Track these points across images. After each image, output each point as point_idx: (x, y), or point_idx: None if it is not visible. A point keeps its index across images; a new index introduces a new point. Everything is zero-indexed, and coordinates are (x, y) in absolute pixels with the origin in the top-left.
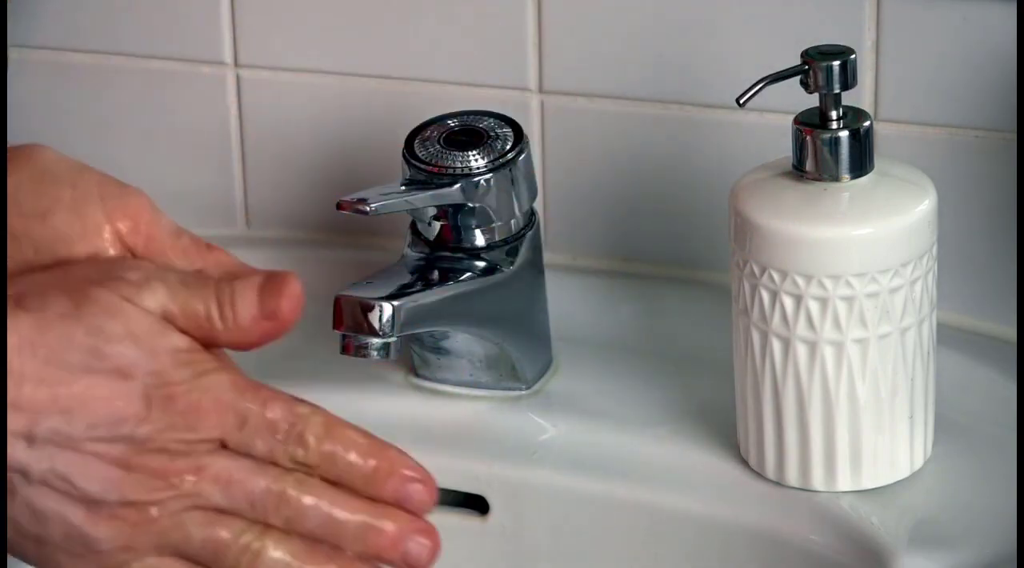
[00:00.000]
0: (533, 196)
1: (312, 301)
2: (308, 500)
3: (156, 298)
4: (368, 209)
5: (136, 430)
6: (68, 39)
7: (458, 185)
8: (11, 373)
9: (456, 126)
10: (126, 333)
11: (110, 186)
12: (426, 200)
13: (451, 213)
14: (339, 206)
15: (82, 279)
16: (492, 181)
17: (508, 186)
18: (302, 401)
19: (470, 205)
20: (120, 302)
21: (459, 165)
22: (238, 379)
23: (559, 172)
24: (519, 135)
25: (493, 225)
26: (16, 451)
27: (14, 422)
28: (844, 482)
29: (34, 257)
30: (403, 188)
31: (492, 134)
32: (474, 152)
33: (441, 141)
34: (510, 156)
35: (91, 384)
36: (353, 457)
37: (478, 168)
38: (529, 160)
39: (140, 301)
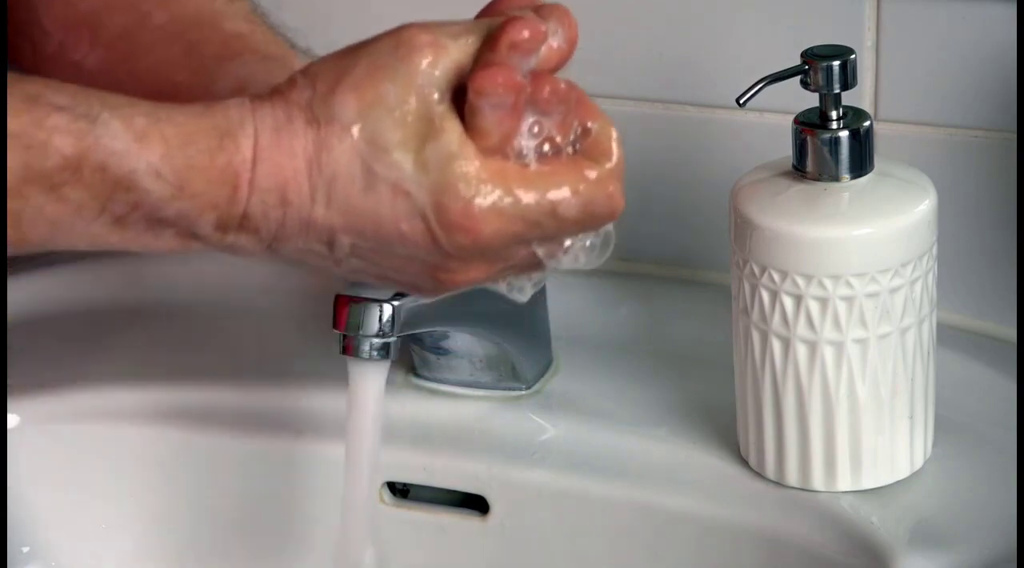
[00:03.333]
0: None
1: (312, 301)
2: None
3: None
4: None
5: (427, 258)
6: None
7: None
8: (300, 191)
9: None
10: (401, 141)
11: None
12: None
13: None
14: None
15: (374, 66)
16: None
17: None
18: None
19: None
20: (408, 95)
21: None
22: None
23: None
24: None
25: None
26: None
27: (313, 236)
28: (844, 482)
29: None
30: None
31: None
32: None
33: None
34: None
35: (375, 202)
36: None
37: None
38: None
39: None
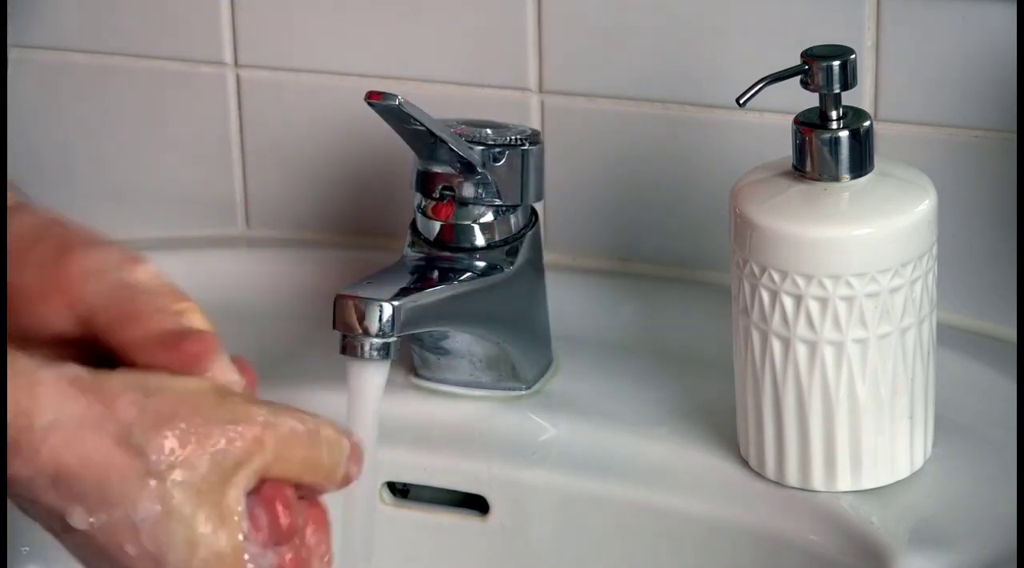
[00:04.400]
0: (539, 194)
1: (312, 301)
2: None
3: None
4: (398, 101)
5: None
6: (68, 39)
7: (479, 148)
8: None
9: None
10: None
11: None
12: (450, 140)
13: (459, 182)
14: (370, 95)
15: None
16: (506, 156)
17: (520, 169)
18: None
19: (481, 173)
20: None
21: (482, 135)
22: None
23: (559, 172)
24: (536, 134)
25: (496, 206)
26: None
27: (51, 515)
28: (844, 482)
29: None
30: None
31: (512, 126)
32: (494, 131)
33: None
34: (528, 143)
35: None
36: None
37: (499, 140)
38: (542, 158)
39: None
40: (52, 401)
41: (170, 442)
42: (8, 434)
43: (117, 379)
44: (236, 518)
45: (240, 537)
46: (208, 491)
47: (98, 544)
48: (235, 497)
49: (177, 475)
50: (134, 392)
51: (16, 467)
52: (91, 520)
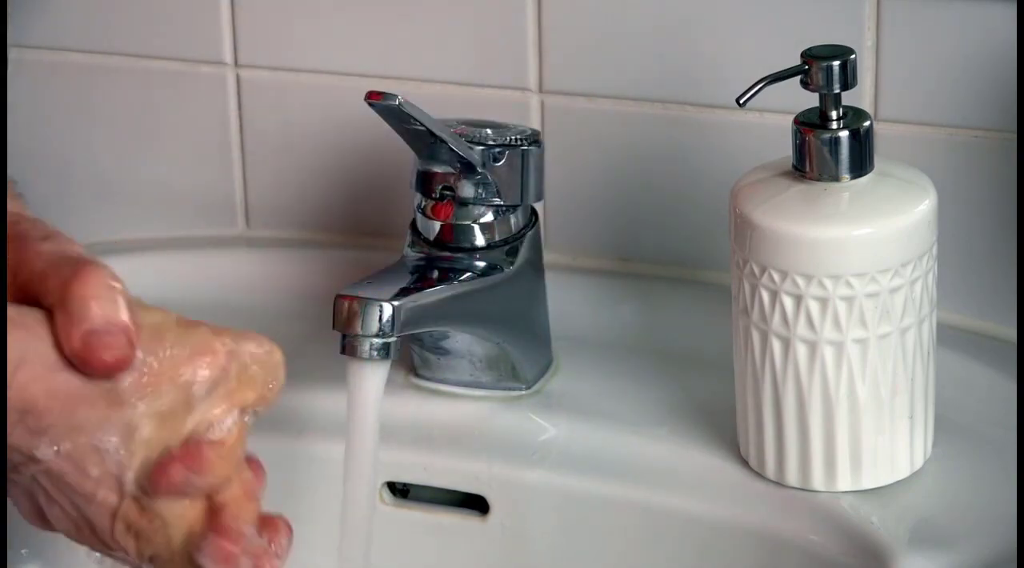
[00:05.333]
0: (539, 194)
1: (312, 301)
2: None
3: None
4: (398, 101)
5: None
6: (67, 39)
7: (479, 148)
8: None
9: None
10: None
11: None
12: (450, 140)
13: (459, 182)
14: (370, 95)
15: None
16: (506, 156)
17: (520, 169)
18: None
19: (481, 173)
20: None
21: (482, 135)
22: None
23: (559, 172)
24: (536, 134)
25: (496, 206)
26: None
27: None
28: (844, 482)
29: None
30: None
31: (512, 126)
32: (494, 131)
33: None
34: (529, 143)
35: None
36: None
37: (499, 140)
38: (542, 158)
39: None
40: (19, 338)
41: (136, 372)
42: None
43: None
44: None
45: None
46: (171, 417)
47: (60, 471)
48: (196, 421)
49: (143, 403)
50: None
51: None
52: (55, 448)
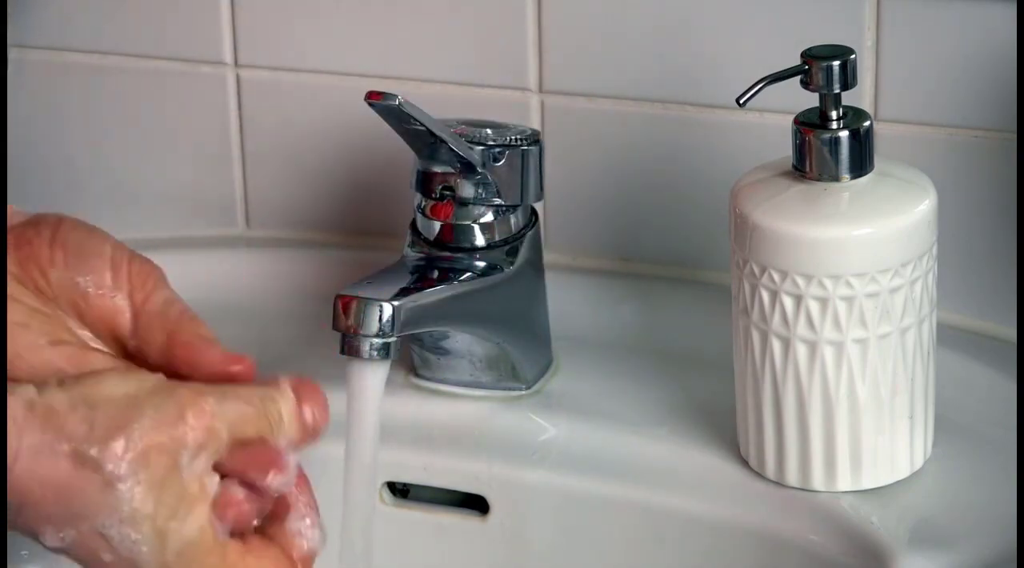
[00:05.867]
0: (539, 195)
1: (312, 301)
2: None
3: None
4: (398, 101)
5: None
6: (67, 39)
7: (479, 148)
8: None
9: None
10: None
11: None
12: (450, 140)
13: (459, 182)
14: (370, 95)
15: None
16: (506, 156)
17: (520, 169)
18: None
19: (481, 173)
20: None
21: (482, 135)
22: None
23: (559, 172)
24: (536, 134)
25: (496, 206)
26: None
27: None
28: (844, 482)
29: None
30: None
31: (512, 126)
32: (494, 131)
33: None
34: (529, 143)
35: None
36: None
37: (499, 140)
38: (542, 158)
39: None
40: (14, 431)
41: (121, 448)
42: None
43: (62, 397)
44: (200, 504)
45: (206, 520)
46: (167, 485)
47: (76, 555)
48: (196, 485)
49: (133, 478)
50: (82, 408)
51: None
52: (61, 536)
